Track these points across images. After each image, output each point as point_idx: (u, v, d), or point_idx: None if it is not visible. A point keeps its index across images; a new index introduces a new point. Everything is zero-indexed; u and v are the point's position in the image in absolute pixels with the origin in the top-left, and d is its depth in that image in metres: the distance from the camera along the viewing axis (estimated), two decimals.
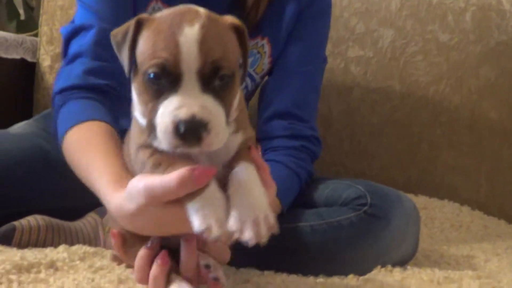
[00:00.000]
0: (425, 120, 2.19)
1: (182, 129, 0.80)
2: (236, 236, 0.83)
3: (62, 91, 1.30)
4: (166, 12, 0.89)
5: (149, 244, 0.98)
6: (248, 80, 1.59)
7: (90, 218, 1.45)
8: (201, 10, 0.90)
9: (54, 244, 1.32)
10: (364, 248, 1.33)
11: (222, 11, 1.41)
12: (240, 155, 0.94)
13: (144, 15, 0.91)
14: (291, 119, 1.51)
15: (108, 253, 1.24)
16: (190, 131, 0.80)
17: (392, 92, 2.22)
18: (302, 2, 1.54)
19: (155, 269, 0.96)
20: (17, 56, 2.42)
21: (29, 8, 2.94)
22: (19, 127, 1.71)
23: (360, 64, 2.24)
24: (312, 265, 1.31)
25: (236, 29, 0.92)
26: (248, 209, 0.85)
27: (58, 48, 2.53)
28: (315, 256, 1.32)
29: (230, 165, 0.93)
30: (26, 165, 1.45)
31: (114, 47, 0.94)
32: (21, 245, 1.31)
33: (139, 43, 0.89)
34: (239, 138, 0.96)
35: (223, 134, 0.85)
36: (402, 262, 1.40)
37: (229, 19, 0.92)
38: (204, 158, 0.93)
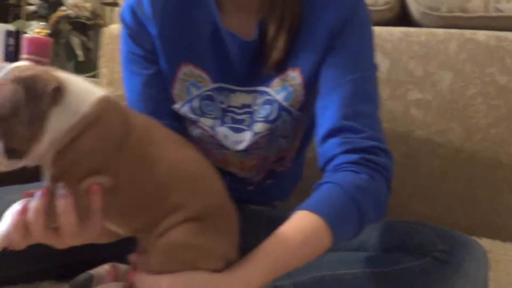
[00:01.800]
0: (486, 163, 2.20)
1: None
2: None
3: None
4: None
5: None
6: (284, 114, 1.50)
7: None
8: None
9: None
10: None
11: (247, 52, 1.49)
12: None
13: None
14: (344, 133, 1.35)
15: None
16: None
17: (453, 134, 2.23)
18: (336, 22, 1.44)
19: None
20: None
21: (87, 50, 3.01)
22: None
23: (420, 107, 2.26)
24: None
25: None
26: None
27: (118, 91, 2.58)
28: None
29: None
30: None
31: None
32: None
33: None
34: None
35: None
36: None
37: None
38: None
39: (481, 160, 2.20)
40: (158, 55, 1.50)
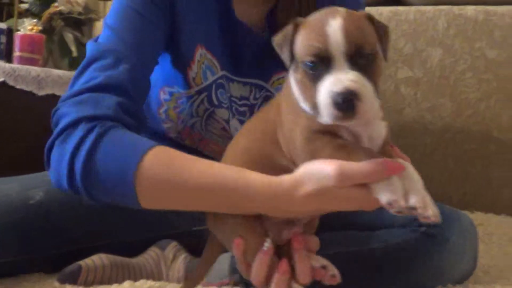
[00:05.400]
0: (477, 137, 2.20)
1: (339, 100, 0.92)
2: (419, 211, 0.93)
3: (94, 118, 1.14)
4: (312, 16, 1.02)
5: (264, 248, 1.04)
6: None
7: (152, 252, 1.46)
8: (340, 8, 1.01)
9: (119, 281, 1.35)
10: (424, 268, 1.34)
11: (255, 43, 1.46)
12: (385, 150, 1.06)
13: (299, 19, 1.03)
14: None
15: (172, 285, 1.28)
16: (346, 101, 0.92)
17: (444, 111, 2.24)
18: None
19: (278, 279, 1.03)
20: None
21: (80, 45, 3.01)
22: None
23: (410, 85, 2.27)
24: None
25: (370, 19, 1.02)
26: (423, 193, 0.95)
27: None
28: (375, 279, 1.33)
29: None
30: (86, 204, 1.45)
31: (276, 48, 1.06)
32: (87, 284, 1.34)
33: (297, 41, 1.02)
34: (385, 127, 1.07)
35: (373, 104, 0.96)
36: (462, 279, 1.41)
37: (363, 12, 1.03)
38: (366, 142, 1.03)
39: (472, 135, 2.21)
40: (174, 32, 1.42)
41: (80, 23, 3.09)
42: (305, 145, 1.03)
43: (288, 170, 1.04)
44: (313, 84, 0.97)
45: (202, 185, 1.05)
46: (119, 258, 1.41)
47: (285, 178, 1.02)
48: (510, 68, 2.19)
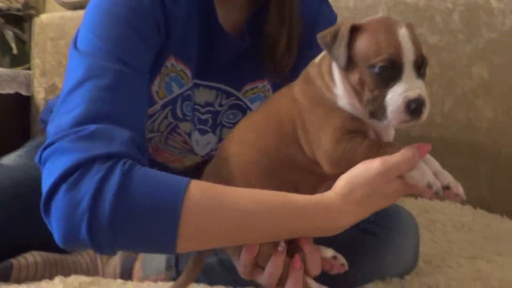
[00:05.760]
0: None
1: (413, 106, 0.98)
2: (454, 190, 1.01)
3: (109, 157, 0.98)
4: (372, 21, 1.05)
5: (280, 248, 1.06)
6: None
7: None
8: (395, 17, 1.06)
9: (52, 278, 1.31)
10: (363, 266, 1.33)
11: (255, 59, 1.41)
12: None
13: (351, 22, 1.05)
14: None
15: (106, 281, 1.26)
16: (417, 107, 0.98)
17: None
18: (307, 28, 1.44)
19: (295, 276, 1.06)
20: (11, 91, 2.42)
21: (21, 42, 2.96)
22: (10, 159, 1.64)
23: None
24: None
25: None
26: (447, 173, 1.04)
27: (51, 80, 2.54)
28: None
29: None
30: (21, 199, 1.41)
31: (323, 46, 1.06)
32: (19, 281, 1.31)
33: (360, 44, 1.04)
34: None
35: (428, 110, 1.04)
36: (403, 274, 1.40)
37: (409, 22, 1.07)
38: (384, 136, 1.10)
39: None
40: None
41: (20, 19, 3.03)
42: (338, 145, 1.06)
43: (310, 170, 1.09)
44: (380, 87, 1.01)
45: (248, 209, 1.00)
46: (52, 255, 1.39)
47: (328, 194, 1.03)
48: (452, 53, 2.18)
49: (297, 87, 1.13)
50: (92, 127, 1.00)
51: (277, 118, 1.13)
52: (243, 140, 1.15)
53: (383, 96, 1.01)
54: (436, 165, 1.04)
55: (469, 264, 1.51)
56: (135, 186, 0.95)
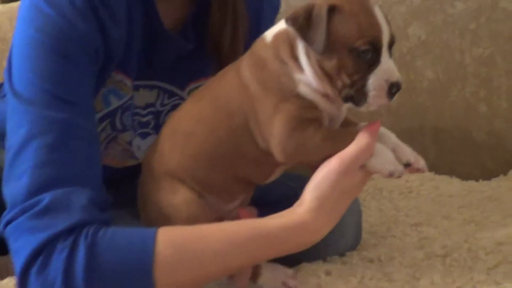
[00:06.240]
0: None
1: (394, 90, 0.98)
2: (415, 166, 1.01)
3: (71, 230, 0.96)
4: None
5: None
6: None
7: None
8: None
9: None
10: None
11: (199, 57, 1.35)
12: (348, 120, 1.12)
13: (331, 1, 1.00)
14: None
15: None
16: (397, 90, 0.99)
17: None
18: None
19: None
20: None
21: None
22: None
23: None
24: None
25: None
26: (405, 146, 1.03)
27: None
28: None
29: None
30: None
31: (295, 30, 1.01)
32: None
33: (336, 25, 0.99)
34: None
35: None
36: (345, 252, 1.38)
37: None
38: (338, 120, 1.09)
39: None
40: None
41: None
42: (292, 134, 1.02)
43: (262, 161, 1.08)
44: (361, 71, 0.99)
45: (221, 252, 1.00)
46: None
47: (299, 213, 1.02)
48: (387, 14, 2.12)
49: (247, 72, 1.07)
50: (46, 198, 0.97)
51: (228, 111, 1.08)
52: (190, 132, 1.11)
53: (364, 80, 0.98)
54: (393, 138, 1.03)
55: (414, 232, 1.48)
56: (103, 255, 0.95)
